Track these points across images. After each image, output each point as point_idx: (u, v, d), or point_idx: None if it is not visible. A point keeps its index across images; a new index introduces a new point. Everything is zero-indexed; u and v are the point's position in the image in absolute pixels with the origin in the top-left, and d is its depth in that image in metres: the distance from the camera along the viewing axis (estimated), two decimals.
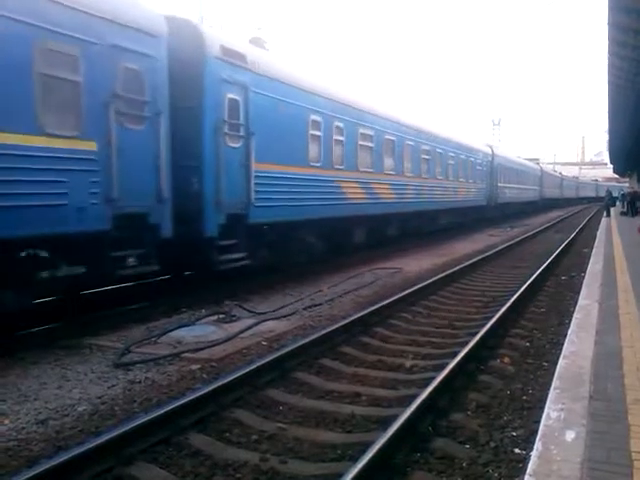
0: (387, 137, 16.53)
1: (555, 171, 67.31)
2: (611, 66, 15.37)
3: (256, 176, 10.27)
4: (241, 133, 9.99)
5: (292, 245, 12.28)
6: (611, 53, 13.97)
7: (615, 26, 11.84)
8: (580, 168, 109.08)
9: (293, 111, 11.73)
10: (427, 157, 20.01)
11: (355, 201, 14.42)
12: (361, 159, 14.89)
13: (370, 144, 15.44)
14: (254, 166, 10.21)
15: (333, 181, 13.35)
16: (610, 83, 17.60)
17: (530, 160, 52.84)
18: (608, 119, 26.49)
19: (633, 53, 13.31)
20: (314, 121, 12.58)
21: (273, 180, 10.91)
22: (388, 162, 16.66)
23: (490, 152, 30.95)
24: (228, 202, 9.53)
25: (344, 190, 13.87)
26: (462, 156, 24.73)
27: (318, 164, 12.71)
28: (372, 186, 15.42)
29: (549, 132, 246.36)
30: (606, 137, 36.91)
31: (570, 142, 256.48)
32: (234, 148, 9.82)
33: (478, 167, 27.69)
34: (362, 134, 14.93)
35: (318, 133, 12.73)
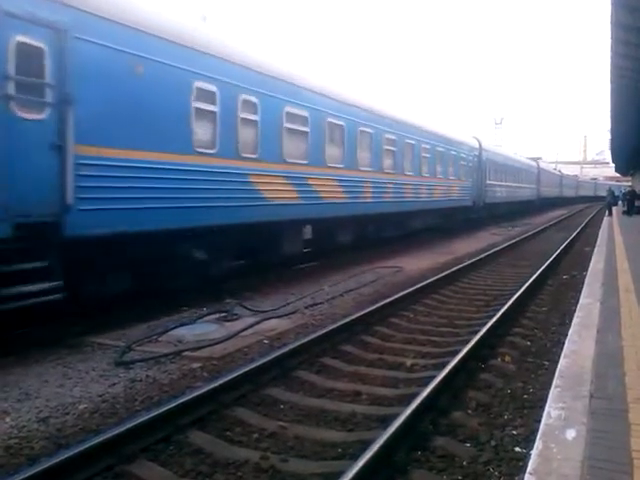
0: (331, 121, 12.97)
1: (555, 169, 66.24)
2: (614, 65, 15.31)
3: (82, 165, 6.99)
4: (48, 98, 6.67)
5: (168, 266, 8.98)
6: (614, 52, 13.91)
7: (618, 25, 11.80)
8: (582, 167, 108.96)
9: (164, 74, 8.26)
10: (392, 149, 16.52)
11: (281, 201, 11.06)
12: (289, 147, 11.39)
13: (304, 128, 11.94)
14: (76, 150, 6.91)
15: (241, 175, 9.97)
16: (613, 82, 17.53)
17: (533, 159, 52.07)
18: (610, 118, 26.38)
19: (636, 52, 13.26)
20: (202, 91, 9.01)
21: (120, 171, 7.59)
22: (334, 153, 13.16)
23: (477, 145, 27.39)
24: (18, 205, 6.27)
25: (261, 187, 10.46)
26: (440, 149, 21.01)
27: (212, 151, 9.28)
28: (309, 183, 12.12)
29: (551, 131, 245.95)
30: (608, 136, 36.78)
31: (572, 141, 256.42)
32: (32, 121, 6.49)
33: (462, 162, 24.10)
34: (291, 114, 11.43)
35: (211, 108, 9.25)
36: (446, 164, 21.84)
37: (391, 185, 16.44)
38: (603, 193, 54.81)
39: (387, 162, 16.25)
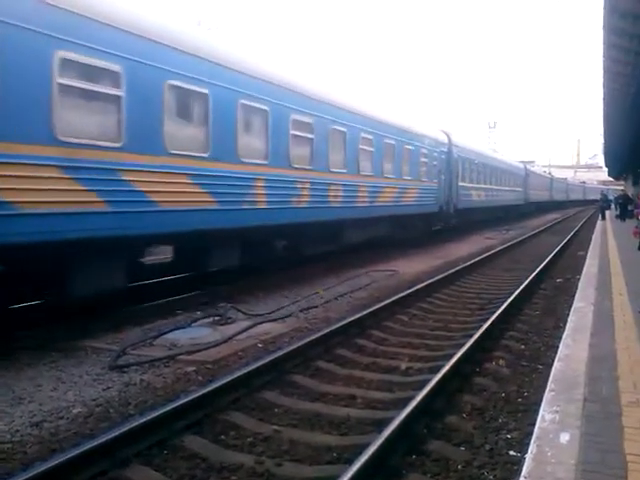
0: (179, 85, 8.52)
1: (545, 172, 65.46)
2: (606, 70, 15.45)
3: None
4: None
5: None
6: (606, 57, 14.04)
7: (611, 30, 11.90)
8: (575, 171, 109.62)
9: None
10: (308, 136, 12.15)
11: (50, 209, 6.61)
12: (73, 120, 6.95)
13: (112, 91, 7.47)
14: None
15: None
16: (605, 87, 17.69)
17: (527, 163, 51.77)
18: (603, 122, 26.59)
19: (628, 57, 13.37)
20: None
21: None
22: (186, 136, 8.83)
23: (446, 140, 22.55)
24: None
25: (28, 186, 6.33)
26: (390, 141, 16.57)
27: None
28: (126, 180, 7.64)
29: (545, 135, 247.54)
30: (601, 140, 37.02)
31: (566, 145, 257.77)
32: None
33: (424, 159, 19.64)
34: (75, 64, 6.95)
35: None
36: (399, 161, 17.40)
37: (306, 186, 12.13)
38: (592, 196, 54.51)
39: (298, 154, 11.84)
